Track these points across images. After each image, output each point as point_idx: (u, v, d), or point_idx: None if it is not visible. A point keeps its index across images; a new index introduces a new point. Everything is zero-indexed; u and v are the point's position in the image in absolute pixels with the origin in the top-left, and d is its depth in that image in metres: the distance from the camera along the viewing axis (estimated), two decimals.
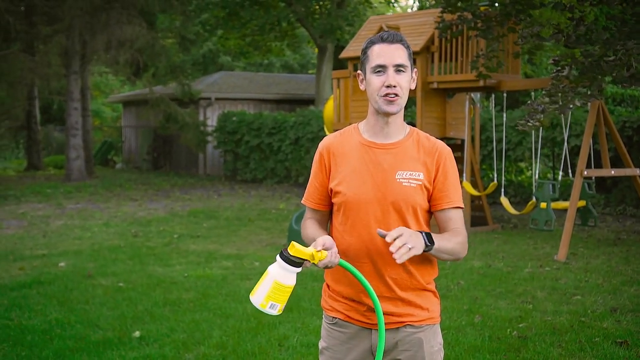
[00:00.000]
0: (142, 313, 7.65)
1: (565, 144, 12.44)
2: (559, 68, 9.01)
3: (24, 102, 28.10)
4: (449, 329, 7.00)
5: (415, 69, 3.07)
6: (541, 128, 12.04)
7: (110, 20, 23.56)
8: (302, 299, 8.16)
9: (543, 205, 11.91)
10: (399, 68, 2.96)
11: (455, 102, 14.14)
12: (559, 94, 8.81)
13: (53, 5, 23.22)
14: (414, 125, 13.65)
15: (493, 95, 14.19)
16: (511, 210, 12.89)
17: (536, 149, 13.84)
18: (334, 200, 3.12)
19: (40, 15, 24.27)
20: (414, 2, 35.58)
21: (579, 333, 6.88)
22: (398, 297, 3.05)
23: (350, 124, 13.63)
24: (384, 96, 2.96)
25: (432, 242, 2.85)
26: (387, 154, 3.03)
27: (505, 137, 16.65)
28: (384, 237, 2.78)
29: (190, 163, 29.16)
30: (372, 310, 3.04)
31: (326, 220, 3.24)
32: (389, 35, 2.99)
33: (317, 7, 28.92)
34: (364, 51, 3.05)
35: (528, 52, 11.17)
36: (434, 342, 3.12)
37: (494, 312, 7.68)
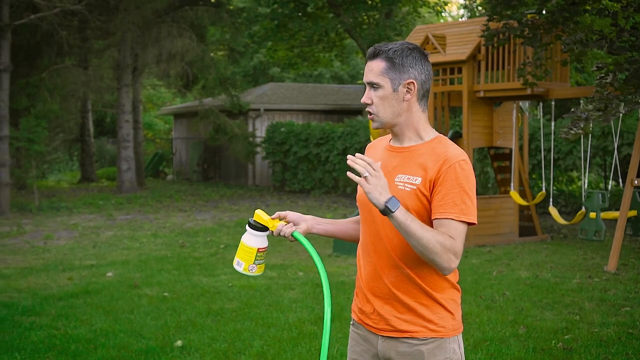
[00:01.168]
0: (185, 323, 7.69)
1: (616, 152, 12.23)
2: (603, 75, 8.86)
3: (77, 115, 28.59)
4: (492, 340, 6.91)
5: (410, 80, 2.98)
6: (591, 136, 11.85)
7: (161, 33, 23.86)
8: (345, 309, 8.13)
9: (592, 215, 11.72)
10: (372, 86, 3.00)
11: (503, 111, 14.00)
12: (604, 102, 8.67)
13: (105, 20, 23.57)
14: (460, 134, 13.55)
15: (542, 104, 14.01)
16: (560, 220, 12.70)
17: (586, 158, 13.63)
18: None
19: (93, 30, 24.66)
20: (464, 12, 35.38)
21: (627, 345, 6.74)
22: (399, 300, 2.99)
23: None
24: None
25: (394, 207, 2.74)
26: (395, 157, 3.04)
27: (555, 146, 16.45)
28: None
29: (240, 174, 29.33)
30: (376, 314, 3.05)
31: None
32: (370, 51, 3.02)
33: (365, 17, 28.91)
34: None
35: (576, 60, 11.02)
36: (440, 357, 3.01)
37: (539, 323, 7.56)
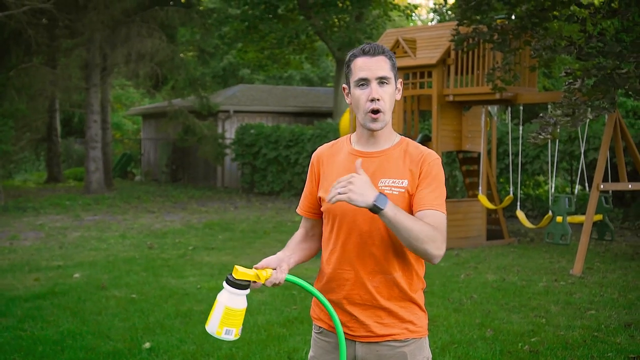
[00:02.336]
0: (153, 324, 7.65)
1: (582, 157, 12.37)
2: (571, 80, 8.96)
3: (44, 115, 28.29)
4: (459, 343, 6.96)
5: (400, 80, 3.05)
6: (558, 141, 11.97)
7: (130, 33, 23.74)
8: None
9: (559, 219, 11.84)
10: (382, 80, 2.95)
11: (472, 115, 14.10)
12: (572, 107, 8.76)
13: (74, 19, 23.40)
14: (429, 138, 13.64)
15: (510, 109, 14.14)
16: (527, 223, 12.81)
17: (553, 163, 13.77)
18: (322, 208, 3.14)
19: (62, 29, 24.47)
20: (434, 16, 35.55)
21: (592, 348, 6.82)
22: (381, 306, 3.01)
23: None
24: (369, 112, 2.96)
25: (382, 205, 2.73)
26: (371, 163, 3.02)
27: (523, 150, 16.59)
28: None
29: (208, 175, 29.25)
30: (354, 321, 3.04)
31: (318, 231, 3.26)
32: (371, 48, 2.98)
33: (336, 20, 28.99)
34: (347, 64, 3.04)
35: (544, 66, 11.14)
36: (419, 357, 3.06)
37: (506, 326, 7.63)
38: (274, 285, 2.95)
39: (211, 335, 2.74)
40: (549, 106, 13.63)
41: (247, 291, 2.89)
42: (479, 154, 13.98)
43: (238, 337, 2.88)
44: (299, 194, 24.09)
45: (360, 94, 2.97)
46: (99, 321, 7.78)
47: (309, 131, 24.01)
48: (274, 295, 9.10)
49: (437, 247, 2.82)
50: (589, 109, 8.74)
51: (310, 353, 3.23)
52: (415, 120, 14.49)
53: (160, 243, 13.69)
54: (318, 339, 3.18)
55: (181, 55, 26.50)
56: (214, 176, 28.91)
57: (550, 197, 12.53)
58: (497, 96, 12.52)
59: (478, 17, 11.65)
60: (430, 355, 3.15)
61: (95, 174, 24.54)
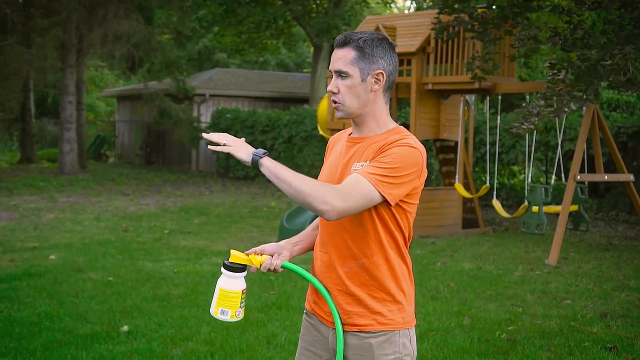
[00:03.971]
0: (130, 308, 7.62)
1: (560, 148, 12.44)
2: (555, 71, 9.00)
3: (18, 95, 28.05)
4: (437, 330, 6.99)
5: (380, 70, 2.96)
6: (535, 132, 12.03)
7: (107, 14, 23.51)
8: (292, 297, 8.15)
9: (535, 208, 11.92)
10: (339, 74, 2.95)
11: (450, 104, 14.13)
12: (555, 98, 8.80)
13: None
14: (407, 126, 13.64)
15: (488, 98, 14.19)
16: (503, 213, 12.89)
17: (529, 153, 13.84)
18: None
19: (38, 8, 24.21)
20: (411, 3, 35.57)
21: (569, 337, 6.87)
22: (349, 292, 2.98)
23: (343, 123, 13.57)
24: (332, 101, 3.01)
25: (260, 155, 2.80)
26: (353, 147, 3.04)
27: (499, 140, 16.65)
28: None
29: (183, 159, 29.12)
30: (326, 305, 3.05)
31: None
32: (340, 38, 2.97)
33: (314, 5, 28.91)
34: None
35: (524, 56, 11.16)
36: (389, 350, 2.99)
37: (483, 315, 7.67)
38: (269, 271, 2.98)
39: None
40: (527, 96, 13.71)
41: (242, 274, 2.97)
42: (456, 143, 14.02)
43: (236, 319, 2.96)
44: None
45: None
46: (76, 303, 7.73)
47: (285, 117, 23.97)
48: (251, 280, 9.08)
49: (323, 201, 2.73)
50: (572, 100, 8.79)
51: (300, 334, 3.27)
52: (393, 108, 14.48)
53: (136, 226, 13.62)
54: (304, 319, 3.22)
55: (158, 37, 26.27)
56: (189, 160, 28.79)
57: (526, 187, 12.61)
58: (476, 85, 12.54)
59: (459, 6, 11.65)
60: (411, 352, 3.05)
61: (70, 155, 24.35)
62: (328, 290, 3.03)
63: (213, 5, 28.36)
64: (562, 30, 8.46)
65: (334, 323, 3.02)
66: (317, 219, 3.26)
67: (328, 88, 2.99)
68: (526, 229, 12.13)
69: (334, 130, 14.61)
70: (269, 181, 23.77)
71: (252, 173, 24.89)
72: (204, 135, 2.89)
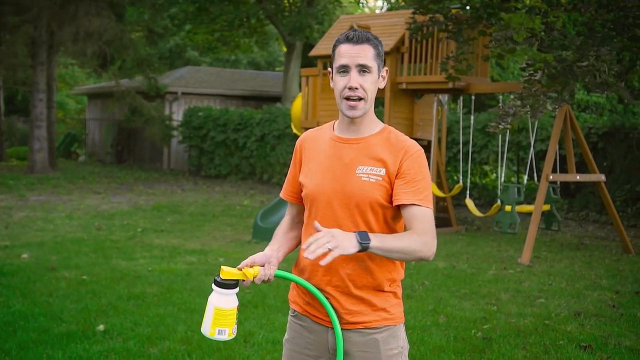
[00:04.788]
0: (106, 306, 7.57)
1: (532, 148, 12.53)
2: (532, 72, 9.07)
3: None
4: (414, 328, 7.02)
5: (386, 68, 3.04)
6: (508, 132, 12.13)
7: (79, 11, 23.31)
8: (267, 295, 8.14)
9: (508, 208, 12.01)
10: (362, 69, 2.92)
11: (424, 104, 14.18)
12: (531, 98, 8.87)
13: None
14: None
15: (461, 98, 14.26)
16: (476, 212, 12.97)
17: (502, 152, 13.93)
18: (302, 194, 3.14)
19: (8, 5, 23.93)
20: (383, 3, 35.63)
21: (543, 336, 6.93)
22: (351, 294, 3.00)
23: (317, 122, 13.59)
24: (346, 99, 2.94)
25: (366, 240, 2.72)
26: (350, 149, 3.02)
27: (472, 139, 16.75)
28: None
29: (154, 157, 28.98)
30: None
31: (303, 216, 3.25)
32: (355, 35, 2.95)
33: (287, 4, 28.88)
34: (333, 50, 3.02)
35: (497, 56, 11.25)
36: (393, 344, 3.05)
37: (458, 313, 7.71)
38: (264, 282, 2.94)
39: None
40: (500, 97, 13.81)
41: (236, 290, 2.88)
42: (429, 142, 14.08)
43: (232, 336, 2.89)
44: (246, 178, 24.06)
45: (339, 80, 2.95)
46: (50, 302, 7.67)
47: (257, 115, 23.93)
48: None
49: (429, 249, 2.86)
50: (548, 101, 8.86)
51: (286, 336, 3.23)
52: None
53: (108, 224, 13.54)
54: (292, 322, 3.19)
55: (130, 35, 26.10)
56: (160, 158, 28.65)
57: (499, 187, 12.70)
58: (450, 85, 12.60)
59: (434, 7, 11.70)
60: (407, 346, 3.14)
61: (40, 153, 24.13)
62: (325, 292, 3.03)
63: (185, 3, 28.24)
64: (539, 32, 8.52)
65: (329, 322, 3.03)
66: (287, 222, 3.25)
67: (350, 84, 2.91)
68: (499, 228, 12.21)
69: (308, 129, 14.61)
70: (241, 180, 23.75)
71: (223, 172, 24.83)
72: (310, 255, 2.67)
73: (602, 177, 11.98)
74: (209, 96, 29.21)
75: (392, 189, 2.97)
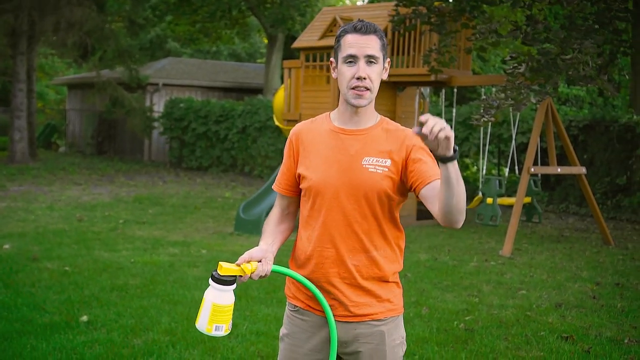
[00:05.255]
0: (89, 297, 7.56)
1: (514, 141, 12.60)
2: (516, 64, 9.12)
3: None
4: None
5: (389, 59, 3.05)
6: (490, 124, 12.18)
7: (60, 1, 23.16)
8: (250, 287, 8.16)
9: (489, 200, 12.07)
10: (370, 59, 2.94)
11: (406, 96, 14.21)
12: (514, 90, 8.92)
13: None
14: None
15: (443, 91, 14.31)
16: None
17: (484, 145, 14.00)
18: (301, 185, 3.13)
19: None
20: None
21: (525, 327, 6.99)
22: (359, 285, 3.03)
23: (300, 114, 13.59)
24: (353, 89, 2.95)
25: (456, 148, 2.67)
26: (355, 140, 3.03)
27: (453, 132, 16.80)
28: (419, 132, 2.61)
29: (135, 149, 28.87)
30: (333, 299, 3.05)
31: (294, 208, 3.26)
32: (363, 26, 2.96)
33: None
34: (337, 39, 3.02)
35: (479, 49, 11.29)
36: (396, 335, 3.11)
37: (440, 305, 7.76)
38: (261, 277, 2.93)
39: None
40: (483, 89, 13.87)
41: (233, 286, 2.86)
42: None
43: (228, 332, 2.88)
44: (227, 170, 24.02)
45: (346, 70, 2.96)
46: (33, 293, 7.65)
47: (239, 107, 23.89)
48: (209, 270, 9.07)
49: (464, 210, 2.81)
50: (532, 93, 8.92)
51: (283, 330, 3.22)
52: None
53: (90, 216, 13.50)
54: (294, 317, 3.18)
55: (111, 25, 25.98)
56: (141, 149, 28.55)
57: (481, 179, 12.76)
58: (432, 78, 12.64)
59: None
60: (405, 335, 3.19)
61: (20, 143, 24.00)
62: (332, 286, 3.04)
63: None
64: (523, 25, 8.58)
65: (339, 316, 3.05)
66: (277, 214, 3.24)
67: (358, 74, 2.93)
68: (480, 220, 12.28)
69: (291, 121, 14.61)
70: (222, 172, 23.68)
71: (205, 164, 24.78)
72: (421, 118, 2.61)
73: (583, 170, 12.06)
74: (191, 87, 29.12)
75: (399, 179, 2.99)
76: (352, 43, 2.95)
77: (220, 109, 24.34)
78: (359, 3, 40.21)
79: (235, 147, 23.75)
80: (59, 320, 6.70)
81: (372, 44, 2.94)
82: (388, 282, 3.08)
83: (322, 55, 14.11)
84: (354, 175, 2.99)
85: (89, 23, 23.41)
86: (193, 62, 33.11)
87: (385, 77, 3.04)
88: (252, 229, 12.04)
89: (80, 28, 23.61)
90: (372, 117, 3.07)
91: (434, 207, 2.84)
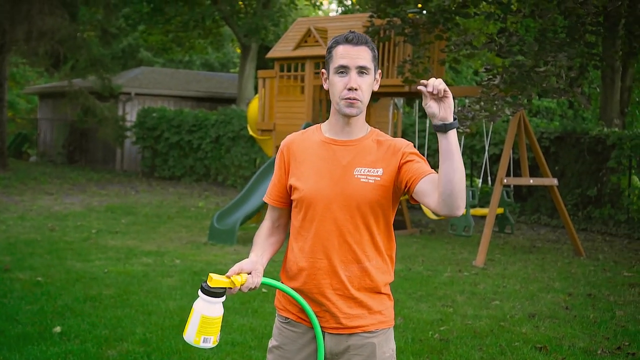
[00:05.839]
0: (62, 308, 7.51)
1: (487, 152, 12.68)
2: (491, 77, 9.20)
3: None
4: None
5: (380, 71, 3.08)
6: (463, 136, 12.26)
7: (32, 10, 23.00)
8: (228, 297, 8.12)
9: (462, 211, 12.12)
10: (361, 70, 2.96)
11: (380, 107, 14.27)
12: (489, 102, 8.99)
13: None
14: None
15: (417, 102, 14.37)
16: (431, 215, 13.08)
17: None
18: (292, 197, 3.13)
19: None
20: (338, 6, 35.74)
21: (499, 337, 7.03)
22: (351, 296, 3.04)
23: (274, 124, 13.60)
24: (345, 99, 2.97)
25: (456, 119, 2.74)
26: (346, 151, 3.04)
27: (427, 143, 16.89)
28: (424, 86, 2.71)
29: (107, 158, 28.72)
30: (324, 311, 3.06)
31: (284, 220, 3.26)
32: (354, 37, 2.99)
33: (243, 6, 28.85)
34: (329, 50, 3.04)
35: (453, 60, 11.37)
36: (386, 347, 3.11)
37: (415, 315, 7.79)
38: (251, 290, 2.93)
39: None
40: (456, 101, 13.94)
41: (223, 299, 2.86)
42: None
43: (216, 343, 2.87)
44: (200, 180, 23.95)
45: (338, 81, 2.98)
46: (5, 304, 7.58)
47: (212, 116, 23.85)
48: (184, 281, 9.05)
49: (464, 192, 2.82)
50: (506, 105, 8.99)
51: (273, 342, 3.20)
52: (323, 109, 14.57)
53: (62, 225, 13.39)
54: (284, 328, 3.17)
55: (83, 34, 25.84)
56: (113, 159, 28.40)
57: None
58: (406, 89, 12.70)
59: (391, 11, 11.79)
60: (395, 347, 3.19)
61: None
62: (325, 297, 3.05)
63: (140, 4, 28.05)
64: (498, 37, 8.65)
65: (329, 328, 3.06)
66: (267, 226, 3.24)
67: (350, 85, 2.95)
68: (453, 230, 12.33)
69: (265, 131, 14.62)
70: (195, 181, 23.62)
71: (178, 173, 24.70)
72: (422, 82, 2.72)
73: (555, 182, 12.15)
74: (163, 97, 29.04)
75: (392, 186, 3.00)
76: (344, 54, 2.97)
77: (193, 118, 24.28)
78: (332, 14, 40.34)
79: (209, 156, 23.69)
80: (32, 331, 6.64)
81: (363, 55, 2.97)
82: (380, 293, 3.09)
83: (297, 66, 14.14)
84: (346, 186, 3.00)
85: (61, 32, 23.27)
86: (166, 72, 33.02)
87: (376, 88, 3.07)
88: (226, 239, 12.01)
89: (52, 37, 23.46)
90: (363, 128, 3.09)
91: (432, 198, 2.83)
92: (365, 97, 3.00)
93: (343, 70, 2.97)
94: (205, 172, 24.19)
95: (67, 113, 29.06)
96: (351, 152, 3.04)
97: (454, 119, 2.72)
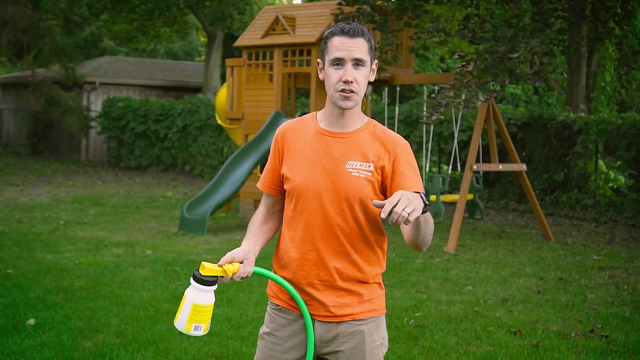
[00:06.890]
0: (34, 300, 7.43)
1: (455, 139, 12.74)
2: (464, 63, 9.23)
3: None
4: None
5: (376, 61, 3.05)
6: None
7: None
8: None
9: (433, 197, 12.18)
10: (357, 62, 2.93)
11: None
12: (463, 89, 9.03)
13: None
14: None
15: (386, 89, 14.39)
16: None
17: (426, 142, 14.13)
18: (285, 186, 3.12)
19: None
20: None
21: (474, 322, 7.08)
22: (340, 287, 3.04)
23: (243, 112, 13.54)
24: (340, 91, 2.94)
25: (427, 203, 2.70)
26: (340, 143, 3.02)
27: (395, 130, 16.95)
28: (380, 207, 2.62)
29: (72, 149, 28.44)
30: (314, 300, 3.06)
31: (279, 207, 3.25)
32: (351, 28, 2.95)
33: None
34: (324, 41, 3.01)
35: (422, 47, 11.39)
36: (376, 335, 3.12)
37: (390, 302, 7.79)
38: (242, 279, 2.93)
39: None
40: (425, 88, 13.99)
41: (215, 287, 2.87)
42: None
43: (207, 331, 2.89)
44: (167, 169, 23.82)
45: (333, 73, 2.95)
46: None
47: (179, 106, 23.71)
48: (156, 271, 9.00)
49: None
50: (480, 92, 9.03)
51: (265, 329, 3.21)
52: (292, 98, 14.54)
53: (29, 217, 13.24)
54: (276, 315, 3.18)
55: (46, 23, 25.50)
56: (78, 149, 28.13)
57: (424, 177, 12.86)
58: (376, 76, 12.70)
59: None
60: (387, 336, 3.20)
61: None
62: (313, 287, 3.05)
63: None
64: (471, 24, 8.68)
65: (319, 316, 3.07)
66: (262, 213, 3.23)
67: (345, 77, 2.91)
68: None
69: (234, 120, 14.56)
70: (162, 171, 23.46)
71: (144, 163, 24.54)
72: (375, 203, 2.63)
73: (524, 167, 12.25)
74: (128, 86, 28.81)
75: (382, 183, 3.00)
76: (339, 46, 2.94)
77: (159, 107, 24.13)
78: (298, 1, 40.22)
79: (175, 146, 23.56)
80: (6, 324, 6.57)
81: (359, 47, 2.94)
82: (369, 282, 3.09)
83: (265, 54, 14.09)
84: (337, 179, 2.99)
85: (24, 21, 22.94)
86: (130, 61, 32.75)
87: (372, 79, 3.04)
88: (196, 229, 11.95)
89: (15, 26, 23.12)
90: (358, 120, 3.07)
91: (402, 227, 2.87)
92: (361, 89, 2.97)
93: (338, 62, 2.94)
94: (172, 162, 24.06)
95: (30, 103, 28.66)
96: (344, 145, 3.02)
97: (425, 205, 2.68)
